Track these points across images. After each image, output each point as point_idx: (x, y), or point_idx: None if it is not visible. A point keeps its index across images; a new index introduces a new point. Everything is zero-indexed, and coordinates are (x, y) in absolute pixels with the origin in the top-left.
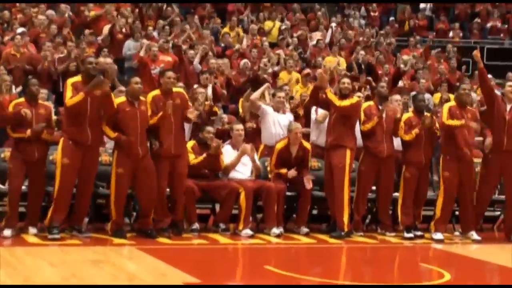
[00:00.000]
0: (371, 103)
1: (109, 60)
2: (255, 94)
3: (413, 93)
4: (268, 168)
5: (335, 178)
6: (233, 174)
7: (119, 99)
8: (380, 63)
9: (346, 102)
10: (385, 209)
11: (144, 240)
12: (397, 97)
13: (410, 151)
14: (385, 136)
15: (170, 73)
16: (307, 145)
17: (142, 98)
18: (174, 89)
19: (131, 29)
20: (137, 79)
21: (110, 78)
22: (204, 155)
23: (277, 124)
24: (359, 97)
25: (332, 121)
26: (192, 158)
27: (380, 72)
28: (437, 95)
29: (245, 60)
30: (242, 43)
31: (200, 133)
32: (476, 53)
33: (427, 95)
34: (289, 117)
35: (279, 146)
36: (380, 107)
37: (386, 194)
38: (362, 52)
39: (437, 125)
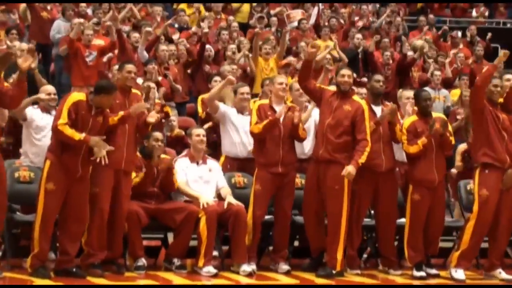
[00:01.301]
0: (362, 102)
1: (24, 45)
2: (213, 91)
3: (405, 91)
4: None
5: (329, 203)
6: (197, 195)
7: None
8: (382, 50)
9: (413, 148)
10: (388, 239)
11: (74, 280)
12: (408, 93)
13: (418, 166)
14: (383, 145)
15: (130, 67)
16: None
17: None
18: (133, 90)
19: (62, 6)
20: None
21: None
22: (144, 170)
23: (241, 129)
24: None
25: (326, 127)
26: (134, 176)
27: (380, 60)
28: (455, 92)
29: (206, 46)
30: (202, 24)
31: (145, 140)
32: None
33: (444, 92)
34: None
35: (257, 104)
36: (374, 108)
37: (388, 219)
38: (359, 36)
39: (450, 129)
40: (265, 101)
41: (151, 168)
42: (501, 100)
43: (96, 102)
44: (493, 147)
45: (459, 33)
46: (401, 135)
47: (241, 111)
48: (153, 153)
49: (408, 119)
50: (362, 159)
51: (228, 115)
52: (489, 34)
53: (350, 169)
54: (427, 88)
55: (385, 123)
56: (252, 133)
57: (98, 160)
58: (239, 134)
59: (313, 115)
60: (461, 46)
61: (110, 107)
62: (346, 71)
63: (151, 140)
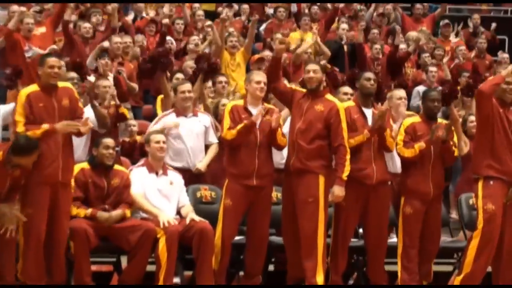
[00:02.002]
0: (351, 103)
1: None
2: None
3: (418, 88)
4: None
5: (302, 220)
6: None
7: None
8: (371, 42)
9: (409, 152)
10: (378, 262)
11: None
12: (400, 93)
13: (411, 175)
14: (373, 153)
15: (52, 60)
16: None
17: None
18: (60, 84)
19: None
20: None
21: None
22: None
23: (186, 134)
24: (345, 94)
25: (297, 132)
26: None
27: (369, 54)
28: None
29: (168, 38)
30: (162, 11)
31: (94, 148)
32: None
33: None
34: (204, 120)
35: (230, 105)
36: (364, 110)
37: (379, 240)
38: (345, 26)
39: (455, 139)
40: (239, 102)
41: (101, 181)
42: None
43: (13, 162)
44: (498, 158)
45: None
46: (392, 142)
47: (182, 113)
48: (104, 161)
49: (409, 119)
50: (346, 172)
51: (166, 120)
52: (494, 25)
53: (336, 191)
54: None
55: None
56: (224, 140)
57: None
58: (182, 141)
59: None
60: (459, 38)
61: (35, 110)
62: (311, 66)
63: (100, 148)
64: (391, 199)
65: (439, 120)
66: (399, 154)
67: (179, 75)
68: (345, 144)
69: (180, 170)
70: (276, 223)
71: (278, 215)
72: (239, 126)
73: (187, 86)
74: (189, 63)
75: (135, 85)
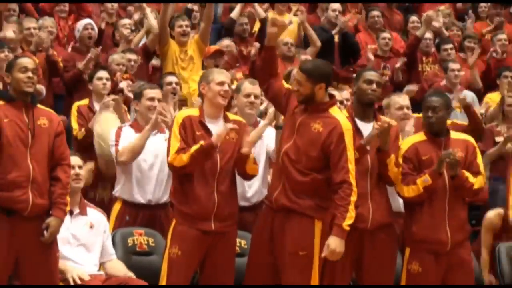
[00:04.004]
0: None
1: None
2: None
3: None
4: None
5: (289, 277)
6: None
7: None
8: (372, 30)
9: (409, 191)
10: None
11: None
12: (400, 100)
13: (418, 219)
14: (371, 185)
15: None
16: None
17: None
18: None
19: None
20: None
21: None
22: None
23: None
24: (341, 103)
25: (283, 154)
26: None
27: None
28: (492, 96)
29: (86, 21)
30: None
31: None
32: None
33: (468, 93)
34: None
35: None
36: (360, 126)
37: None
38: (337, 6)
39: (479, 162)
40: (193, 112)
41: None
42: None
43: None
44: None
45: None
46: (396, 173)
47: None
48: None
49: (409, 139)
50: (349, 220)
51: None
52: None
53: (333, 244)
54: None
55: (373, 150)
56: (171, 167)
57: None
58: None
59: (267, 137)
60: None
61: None
62: (296, 72)
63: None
64: (396, 248)
65: (453, 133)
66: (398, 193)
67: (102, 74)
68: (351, 181)
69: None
70: (238, 280)
71: (240, 270)
72: (193, 149)
73: (155, 92)
74: (116, 57)
75: (40, 87)
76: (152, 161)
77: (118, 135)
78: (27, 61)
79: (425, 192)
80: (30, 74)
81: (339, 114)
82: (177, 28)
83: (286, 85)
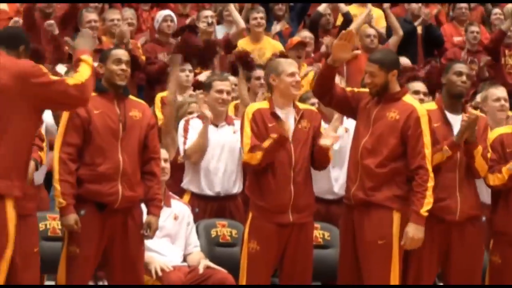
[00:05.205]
0: (431, 106)
1: None
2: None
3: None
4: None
5: (368, 267)
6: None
7: None
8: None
9: (494, 179)
10: None
11: None
12: (497, 92)
13: (500, 210)
14: (459, 177)
15: None
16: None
17: None
18: None
19: None
20: None
21: None
22: None
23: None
24: (417, 93)
25: (361, 149)
26: None
27: (459, 39)
28: None
29: (165, 12)
30: None
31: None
32: None
33: None
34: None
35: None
36: (449, 118)
37: None
38: None
39: None
40: (263, 105)
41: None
42: None
43: None
44: None
45: None
46: (484, 165)
47: (215, 122)
48: None
49: (497, 130)
50: (427, 206)
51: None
52: None
53: (412, 232)
54: None
55: (462, 142)
56: (247, 165)
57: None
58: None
59: (348, 124)
60: None
61: None
62: (367, 64)
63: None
64: (483, 241)
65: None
66: (485, 182)
67: (186, 65)
68: (428, 167)
69: (208, 199)
70: (320, 273)
71: (323, 263)
72: (266, 144)
73: (226, 83)
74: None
75: None
76: (219, 154)
77: (186, 130)
78: (121, 53)
79: (510, 181)
80: (123, 66)
81: (413, 101)
82: (252, 20)
83: (348, 88)
